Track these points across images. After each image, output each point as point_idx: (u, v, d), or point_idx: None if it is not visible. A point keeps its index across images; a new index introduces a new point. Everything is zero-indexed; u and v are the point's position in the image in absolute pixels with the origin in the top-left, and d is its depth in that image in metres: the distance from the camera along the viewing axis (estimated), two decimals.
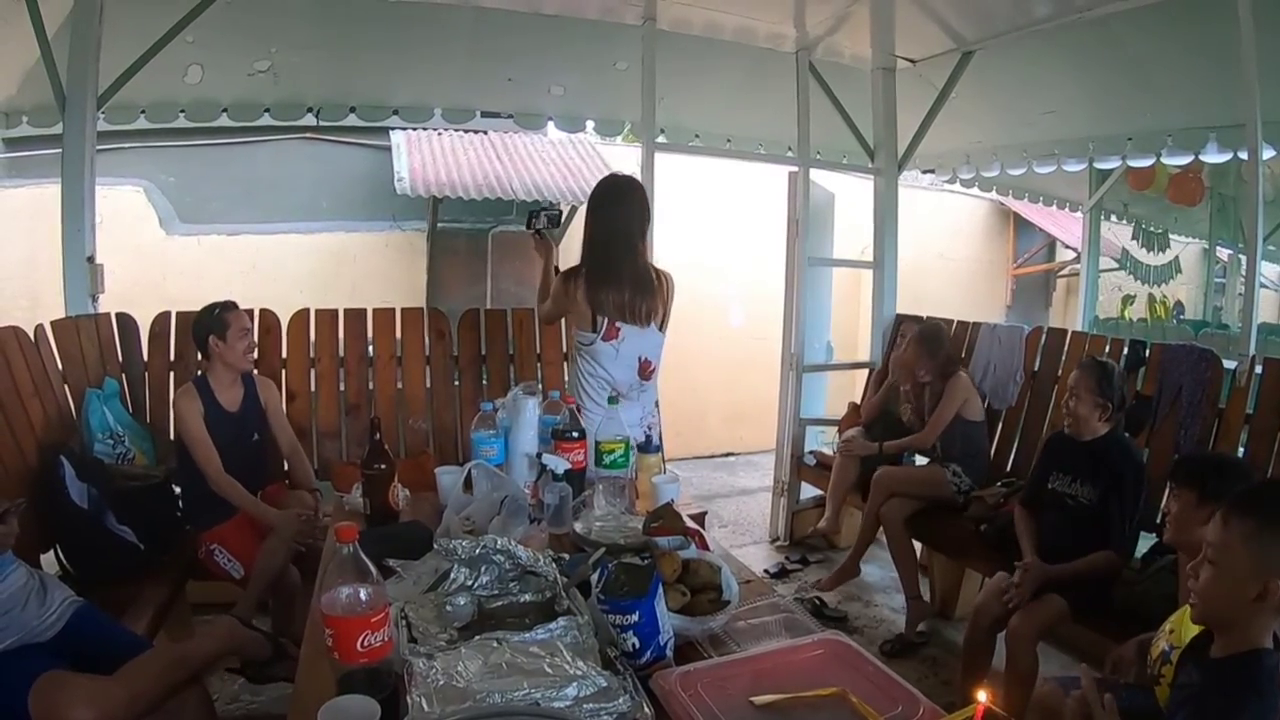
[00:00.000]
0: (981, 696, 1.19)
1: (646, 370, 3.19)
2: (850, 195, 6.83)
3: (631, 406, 3.16)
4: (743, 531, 5.61)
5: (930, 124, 5.28)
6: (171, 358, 3.90)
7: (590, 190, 3.24)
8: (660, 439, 3.34)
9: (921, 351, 4.18)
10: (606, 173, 3.48)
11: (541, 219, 3.36)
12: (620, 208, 3.08)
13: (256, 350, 3.56)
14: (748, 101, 5.69)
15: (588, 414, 2.97)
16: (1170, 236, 10.54)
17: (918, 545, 4.21)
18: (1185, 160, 6.07)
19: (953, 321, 4.90)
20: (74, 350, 3.56)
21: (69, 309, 3.76)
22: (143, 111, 4.82)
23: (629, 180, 3.20)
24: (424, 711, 1.33)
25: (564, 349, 4.36)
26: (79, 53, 3.78)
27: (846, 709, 1.43)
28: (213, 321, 3.27)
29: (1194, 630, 1.82)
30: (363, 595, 1.42)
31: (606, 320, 3.06)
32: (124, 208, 6.56)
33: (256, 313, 3.93)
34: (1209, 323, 10.08)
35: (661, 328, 3.17)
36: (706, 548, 2.15)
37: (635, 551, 1.90)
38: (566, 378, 4.28)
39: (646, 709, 1.42)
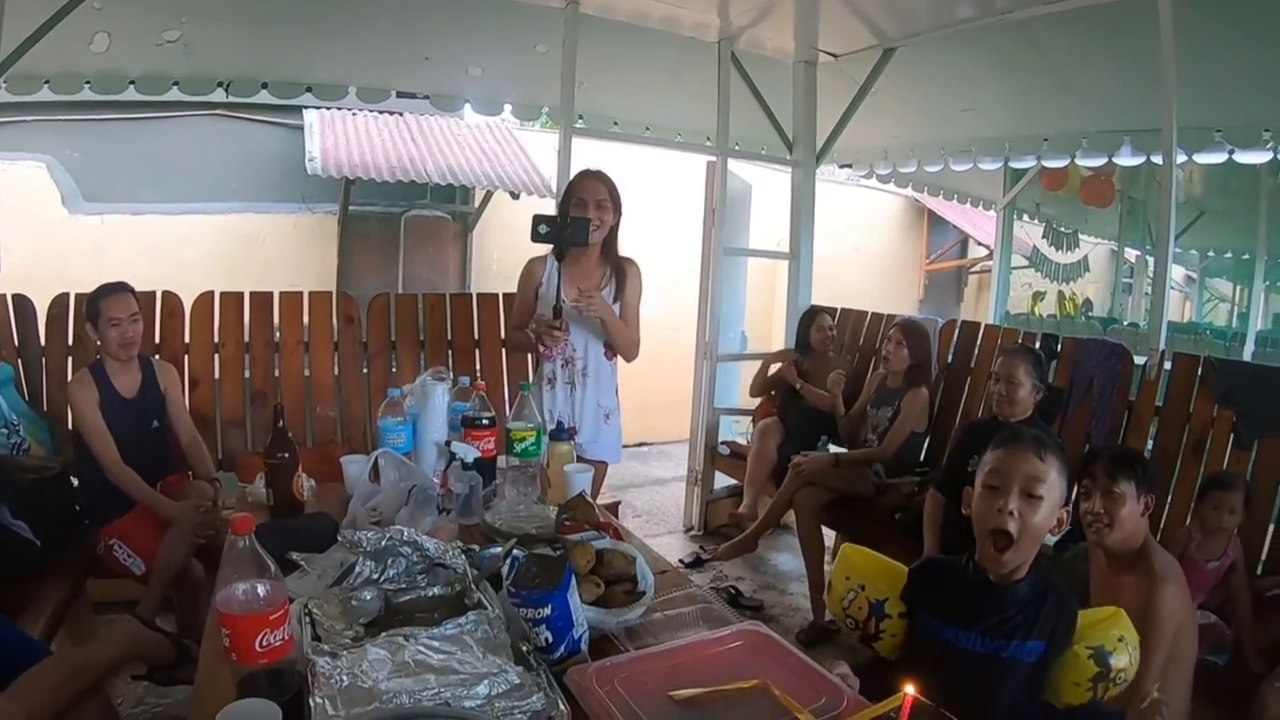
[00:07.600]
0: (909, 689, 1.18)
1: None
2: (767, 189, 6.83)
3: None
4: (657, 521, 5.60)
5: (850, 118, 5.33)
6: (70, 342, 3.70)
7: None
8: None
9: (903, 346, 4.10)
10: (523, 159, 3.47)
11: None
12: None
13: (135, 341, 3.18)
14: (668, 90, 5.65)
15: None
16: (1080, 236, 10.90)
17: (830, 534, 4.22)
18: (1099, 162, 6.24)
19: (866, 313, 4.96)
20: None
21: None
22: (46, 82, 4.56)
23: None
24: (328, 714, 1.27)
25: (475, 335, 4.32)
26: None
27: (769, 702, 1.41)
28: (88, 307, 3.11)
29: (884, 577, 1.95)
30: (260, 591, 1.35)
31: None
32: (25, 184, 6.27)
33: (159, 295, 3.79)
34: (1117, 320, 10.42)
35: None
36: (621, 539, 2.11)
37: (547, 542, 1.86)
38: (478, 365, 4.23)
39: (562, 706, 1.38)
